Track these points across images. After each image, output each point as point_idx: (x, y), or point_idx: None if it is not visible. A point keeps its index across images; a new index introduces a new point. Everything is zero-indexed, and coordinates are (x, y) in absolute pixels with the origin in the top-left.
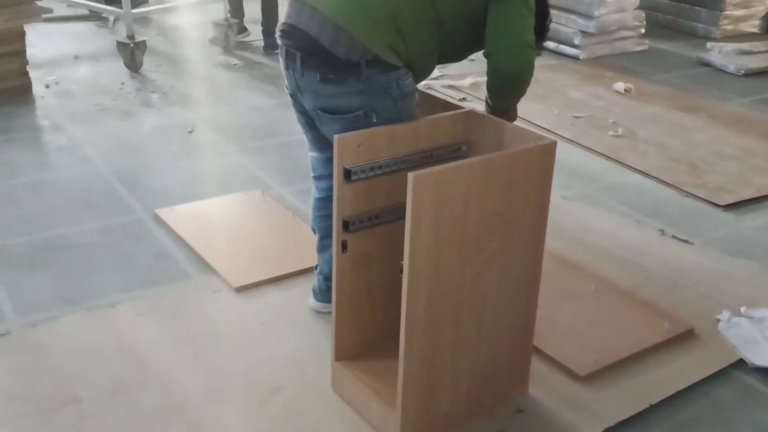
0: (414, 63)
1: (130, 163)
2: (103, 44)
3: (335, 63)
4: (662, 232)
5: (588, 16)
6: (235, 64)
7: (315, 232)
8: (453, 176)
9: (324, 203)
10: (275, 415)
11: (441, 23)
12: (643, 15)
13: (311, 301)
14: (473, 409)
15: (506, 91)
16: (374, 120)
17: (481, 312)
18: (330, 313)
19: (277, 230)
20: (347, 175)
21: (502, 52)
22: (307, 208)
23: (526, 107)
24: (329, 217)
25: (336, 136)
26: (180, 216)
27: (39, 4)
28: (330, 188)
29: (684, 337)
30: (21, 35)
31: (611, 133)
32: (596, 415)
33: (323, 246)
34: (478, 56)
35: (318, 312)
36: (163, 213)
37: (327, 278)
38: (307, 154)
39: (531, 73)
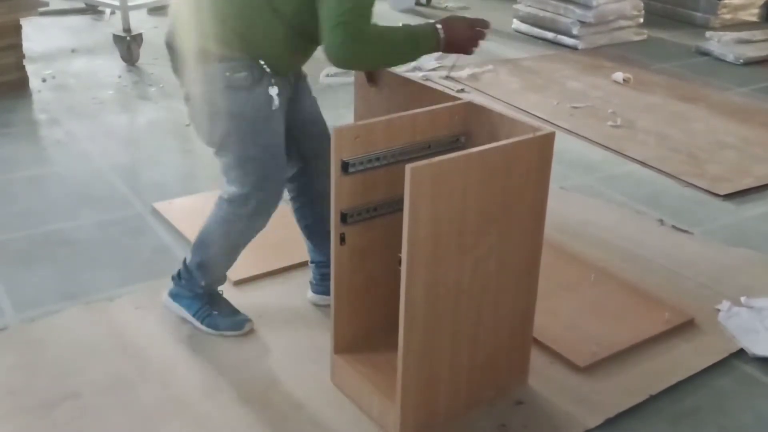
0: (258, 54)
1: (127, 157)
2: (99, 37)
3: (180, 56)
4: (661, 222)
5: (586, 6)
6: None
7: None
8: (451, 168)
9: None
10: (274, 408)
11: (275, 12)
12: (642, 4)
13: (309, 293)
14: (473, 400)
15: (366, 68)
16: (210, 110)
17: (480, 304)
18: (328, 305)
19: (275, 223)
20: (345, 167)
21: (323, 40)
22: None
23: (524, 98)
24: (297, 209)
25: (334, 129)
26: (178, 210)
27: None
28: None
29: (684, 328)
30: (17, 29)
31: (610, 123)
32: (596, 406)
33: (305, 237)
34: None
35: (317, 305)
36: (162, 207)
37: (318, 266)
38: None
39: (357, 49)
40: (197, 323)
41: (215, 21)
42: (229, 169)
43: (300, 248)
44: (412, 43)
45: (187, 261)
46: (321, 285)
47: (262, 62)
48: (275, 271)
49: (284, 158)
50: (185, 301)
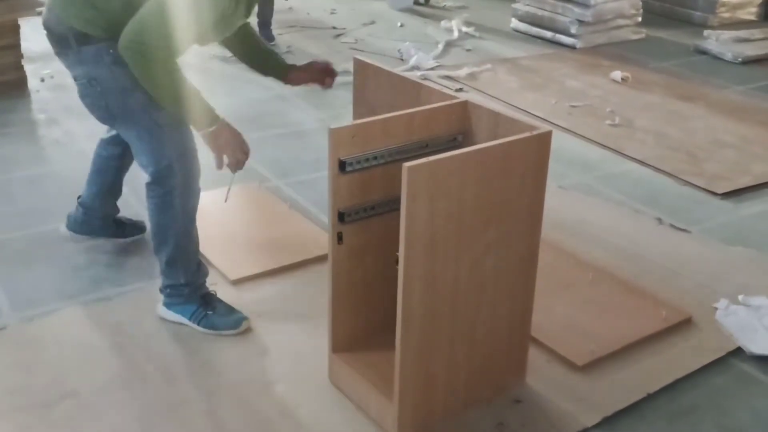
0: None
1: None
2: None
3: (57, 39)
4: (660, 220)
5: (585, 5)
6: (232, 56)
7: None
8: (448, 166)
9: (105, 143)
10: (273, 407)
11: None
12: (640, 3)
13: (61, 227)
14: (471, 399)
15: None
16: (99, 88)
17: (478, 302)
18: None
19: (274, 222)
20: (342, 166)
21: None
22: (304, 200)
23: (523, 97)
24: (105, 157)
25: (330, 128)
26: None
27: None
28: (115, 137)
29: (681, 326)
30: (15, 29)
31: (608, 122)
32: (594, 404)
33: (90, 180)
34: (475, 46)
35: (66, 240)
36: None
37: (86, 210)
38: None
39: (147, 73)
40: (195, 326)
41: (87, 5)
42: (141, 147)
43: (298, 248)
44: (174, 98)
45: (161, 268)
46: (74, 225)
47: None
48: (272, 270)
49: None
50: (179, 307)
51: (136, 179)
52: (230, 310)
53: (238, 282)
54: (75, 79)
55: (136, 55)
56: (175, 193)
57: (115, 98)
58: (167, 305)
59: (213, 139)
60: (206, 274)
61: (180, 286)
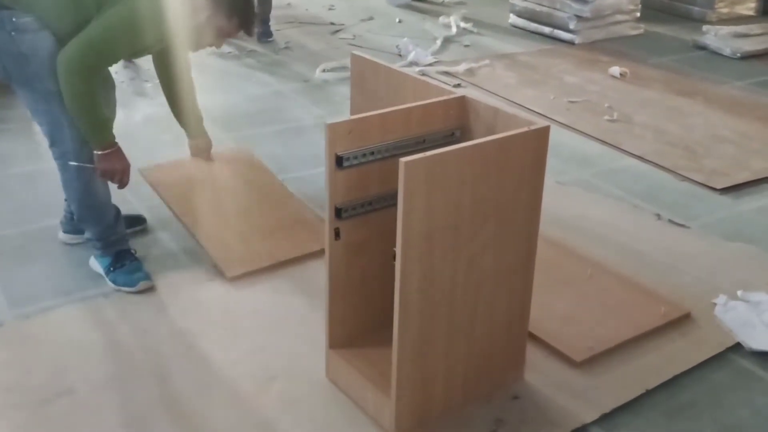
0: (32, 4)
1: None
2: None
3: None
4: (658, 216)
5: (583, 1)
6: (229, 53)
7: None
8: (445, 162)
9: None
10: (270, 404)
11: None
12: None
13: (60, 233)
14: (469, 395)
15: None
16: (2, 57)
17: (476, 298)
18: (78, 244)
19: (271, 206)
20: (339, 161)
21: (69, 44)
22: (303, 196)
23: (521, 93)
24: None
25: (327, 124)
26: (165, 176)
27: None
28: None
29: (680, 322)
30: None
31: (607, 117)
32: (592, 401)
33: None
34: (473, 42)
35: (65, 243)
36: (148, 172)
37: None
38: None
39: (73, 77)
40: (107, 279)
41: None
42: (36, 110)
43: (295, 242)
44: (91, 120)
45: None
46: (74, 225)
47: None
48: (269, 267)
49: None
50: (99, 259)
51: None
52: (137, 268)
53: (234, 279)
54: None
55: (69, 73)
56: (69, 156)
57: (11, 62)
58: (94, 256)
59: (100, 161)
60: (123, 232)
61: (94, 240)
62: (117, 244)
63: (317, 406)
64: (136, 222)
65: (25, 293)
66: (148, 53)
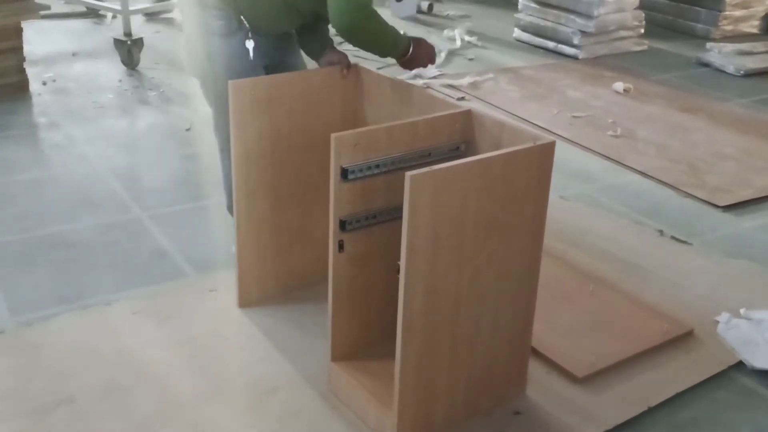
0: (238, 9)
1: (127, 161)
2: (100, 41)
3: None
4: (661, 232)
5: (587, 16)
6: None
7: None
8: (450, 176)
9: None
10: (271, 415)
11: None
12: (643, 15)
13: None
14: (470, 410)
15: (354, 42)
16: None
17: (479, 313)
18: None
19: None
20: (344, 174)
21: (330, 8)
22: None
23: (525, 107)
24: None
25: (333, 135)
26: None
27: (36, 0)
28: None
29: (683, 339)
30: (18, 32)
31: (610, 133)
32: (594, 417)
33: None
34: (478, 55)
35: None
36: None
37: None
38: None
39: (364, 21)
40: None
41: None
42: (214, 110)
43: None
44: (394, 39)
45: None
46: None
47: (242, 17)
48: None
49: None
50: None
51: (136, 183)
52: None
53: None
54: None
55: (363, 23)
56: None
57: (202, 61)
58: None
59: (411, 63)
60: None
61: None
62: None
63: (318, 419)
64: None
65: (27, 300)
66: None
